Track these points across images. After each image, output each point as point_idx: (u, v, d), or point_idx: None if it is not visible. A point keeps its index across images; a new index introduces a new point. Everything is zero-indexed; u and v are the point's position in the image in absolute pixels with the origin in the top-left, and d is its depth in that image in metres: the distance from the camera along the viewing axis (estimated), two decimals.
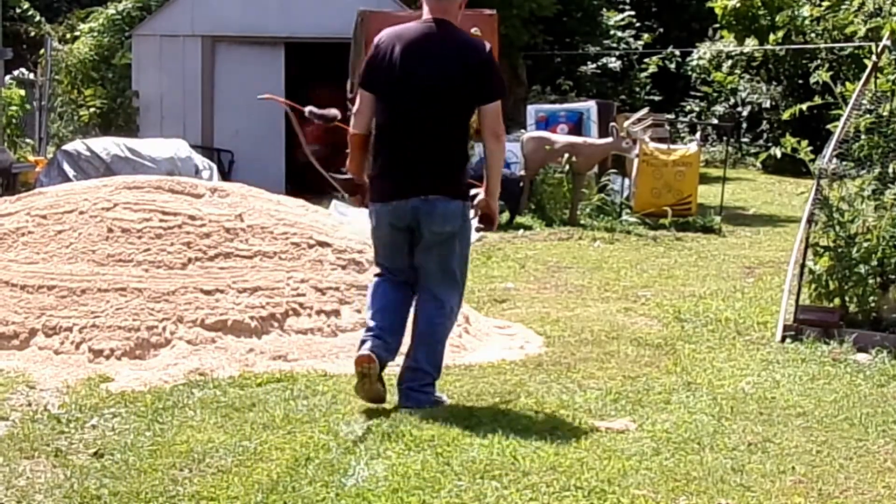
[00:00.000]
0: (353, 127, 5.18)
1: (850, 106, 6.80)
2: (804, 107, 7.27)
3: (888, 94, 6.86)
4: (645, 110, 13.64)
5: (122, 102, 16.27)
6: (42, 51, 18.39)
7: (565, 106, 15.60)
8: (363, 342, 4.98)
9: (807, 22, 18.96)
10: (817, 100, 7.16)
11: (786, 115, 7.88)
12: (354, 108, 5.22)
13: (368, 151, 5.18)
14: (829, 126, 7.19)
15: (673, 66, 22.84)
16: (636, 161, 12.70)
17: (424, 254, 5.02)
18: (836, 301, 6.61)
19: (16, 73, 18.12)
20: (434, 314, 5.05)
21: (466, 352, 6.14)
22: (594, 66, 20.84)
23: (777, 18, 18.98)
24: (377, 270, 5.23)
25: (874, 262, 6.46)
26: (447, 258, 5.04)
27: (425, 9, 5.09)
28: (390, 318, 5.05)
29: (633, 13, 22.63)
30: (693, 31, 23.61)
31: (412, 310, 5.13)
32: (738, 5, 19.01)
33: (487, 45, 5.12)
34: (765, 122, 21.72)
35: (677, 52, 22.56)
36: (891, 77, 6.93)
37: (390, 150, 5.03)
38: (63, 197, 6.64)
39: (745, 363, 5.95)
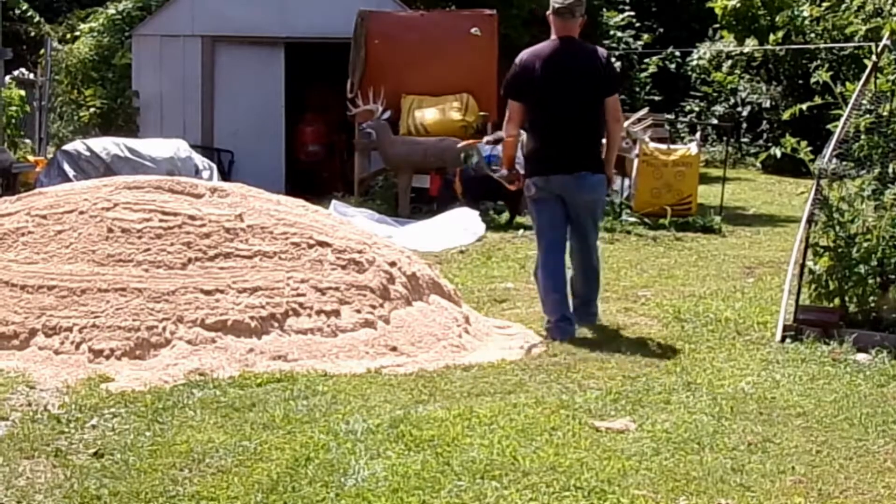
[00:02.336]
0: (505, 133, 6.73)
1: (849, 106, 6.79)
2: (804, 107, 7.26)
3: (888, 94, 6.85)
4: (645, 110, 13.62)
5: (122, 102, 16.24)
6: (42, 51, 18.37)
7: None
8: (559, 326, 6.47)
9: (807, 22, 18.93)
10: (817, 100, 7.15)
11: (786, 115, 7.86)
12: (506, 117, 6.69)
13: (518, 148, 6.86)
14: (828, 126, 7.17)
15: (673, 66, 22.82)
16: (636, 161, 12.69)
17: (580, 216, 6.55)
18: (836, 301, 6.60)
19: (16, 73, 18.09)
20: (593, 257, 6.72)
21: (466, 352, 6.14)
22: None
23: (777, 18, 18.94)
24: (543, 246, 6.62)
25: (874, 262, 6.45)
26: (596, 217, 6.70)
27: (553, 29, 6.52)
28: (562, 284, 6.56)
29: (632, 13, 22.59)
30: (693, 31, 23.58)
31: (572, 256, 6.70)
32: (738, 5, 18.96)
33: (603, 51, 6.60)
34: (765, 122, 21.68)
35: (677, 53, 22.54)
36: (891, 77, 6.92)
37: (542, 140, 6.55)
38: (63, 197, 6.64)
39: (744, 363, 5.95)
